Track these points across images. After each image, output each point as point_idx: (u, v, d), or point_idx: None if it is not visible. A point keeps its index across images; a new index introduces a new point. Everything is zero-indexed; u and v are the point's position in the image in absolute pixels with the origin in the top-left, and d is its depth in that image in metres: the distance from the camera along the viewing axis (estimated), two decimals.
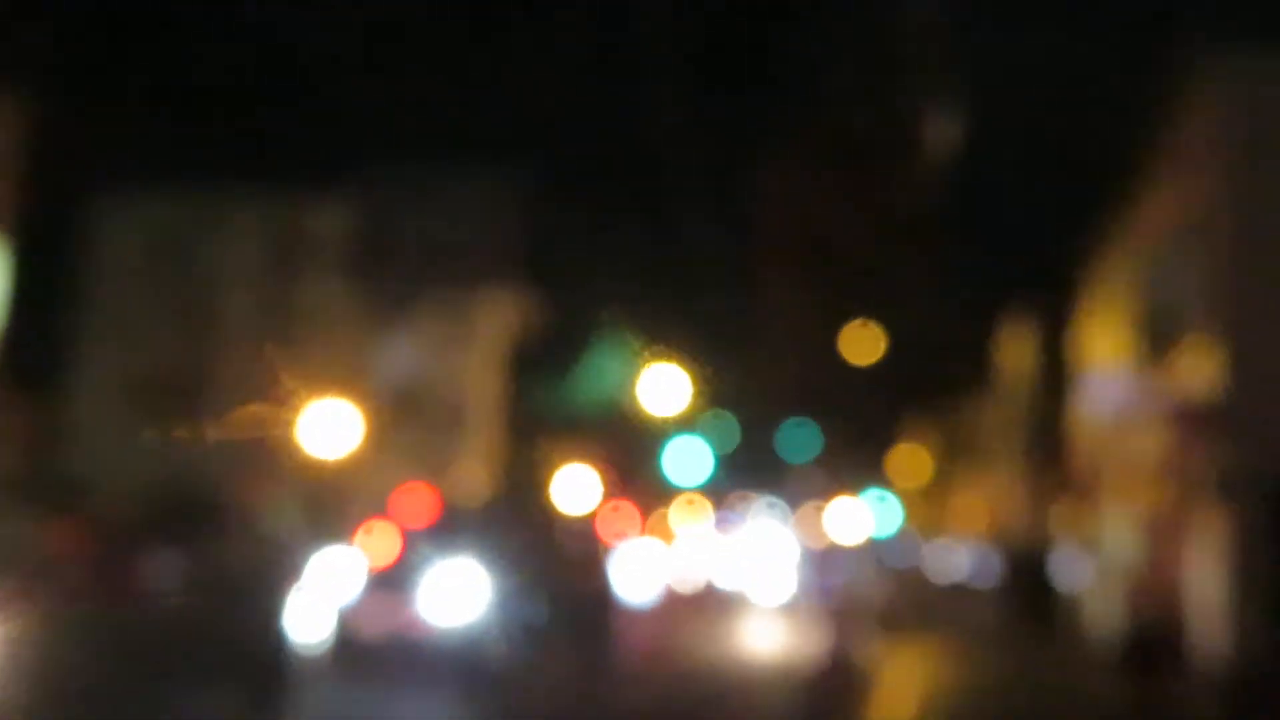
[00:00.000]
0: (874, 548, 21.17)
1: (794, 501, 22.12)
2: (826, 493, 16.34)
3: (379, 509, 13.28)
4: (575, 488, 15.87)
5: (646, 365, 10.49)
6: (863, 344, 13.98)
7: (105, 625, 10.65)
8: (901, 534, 24.89)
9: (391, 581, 11.52)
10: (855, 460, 16.74)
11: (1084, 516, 18.85)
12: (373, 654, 10.88)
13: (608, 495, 17.35)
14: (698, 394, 10.30)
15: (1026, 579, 19.73)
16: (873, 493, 18.47)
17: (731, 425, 16.94)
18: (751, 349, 14.79)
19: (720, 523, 23.17)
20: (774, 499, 22.81)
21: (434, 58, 22.53)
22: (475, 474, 24.07)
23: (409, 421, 22.91)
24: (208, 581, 12.84)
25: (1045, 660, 14.92)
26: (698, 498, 21.01)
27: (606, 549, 16.51)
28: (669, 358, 10.07)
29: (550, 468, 17.57)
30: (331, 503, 17.59)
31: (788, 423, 16.74)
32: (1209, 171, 12.87)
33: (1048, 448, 21.21)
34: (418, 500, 13.00)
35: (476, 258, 25.89)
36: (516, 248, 25.70)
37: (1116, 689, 12.02)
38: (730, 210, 14.82)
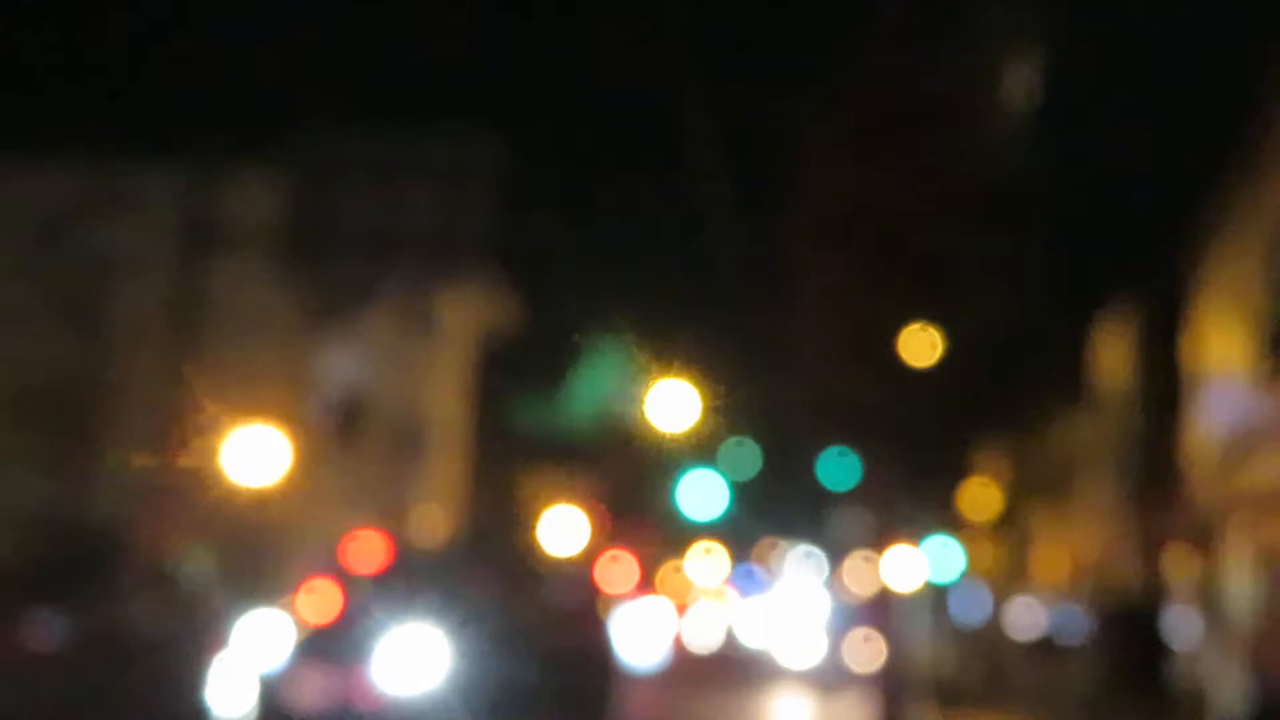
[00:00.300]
0: (934, 596, 21.36)
1: (836, 551, 22.26)
2: (879, 540, 16.53)
3: (318, 558, 13.50)
4: (563, 531, 16.07)
5: (651, 381, 10.68)
6: (921, 353, 14.14)
7: None
8: (968, 580, 25.08)
9: (333, 642, 11.72)
10: (914, 498, 16.89)
11: (1199, 558, 19.02)
12: None
13: (604, 541, 17.56)
14: (716, 417, 10.49)
15: (1127, 635, 19.94)
16: (936, 540, 18.70)
17: (756, 456, 17.16)
18: (783, 361, 14.92)
19: (744, 577, 23.37)
20: (811, 548, 22.94)
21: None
22: (438, 512, 24.29)
23: (355, 448, 23.16)
24: (106, 646, 13.01)
25: None
26: (716, 546, 21.21)
27: (605, 602, 16.79)
28: (679, 371, 10.26)
29: (532, 505, 17.79)
30: (260, 550, 17.82)
31: (828, 453, 16.91)
32: None
33: (1153, 476, 21.37)
34: (367, 547, 13.24)
35: (438, 244, 26.11)
36: (488, 232, 25.89)
37: None
38: (756, 187, 14.99)
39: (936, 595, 22.24)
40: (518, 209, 24.01)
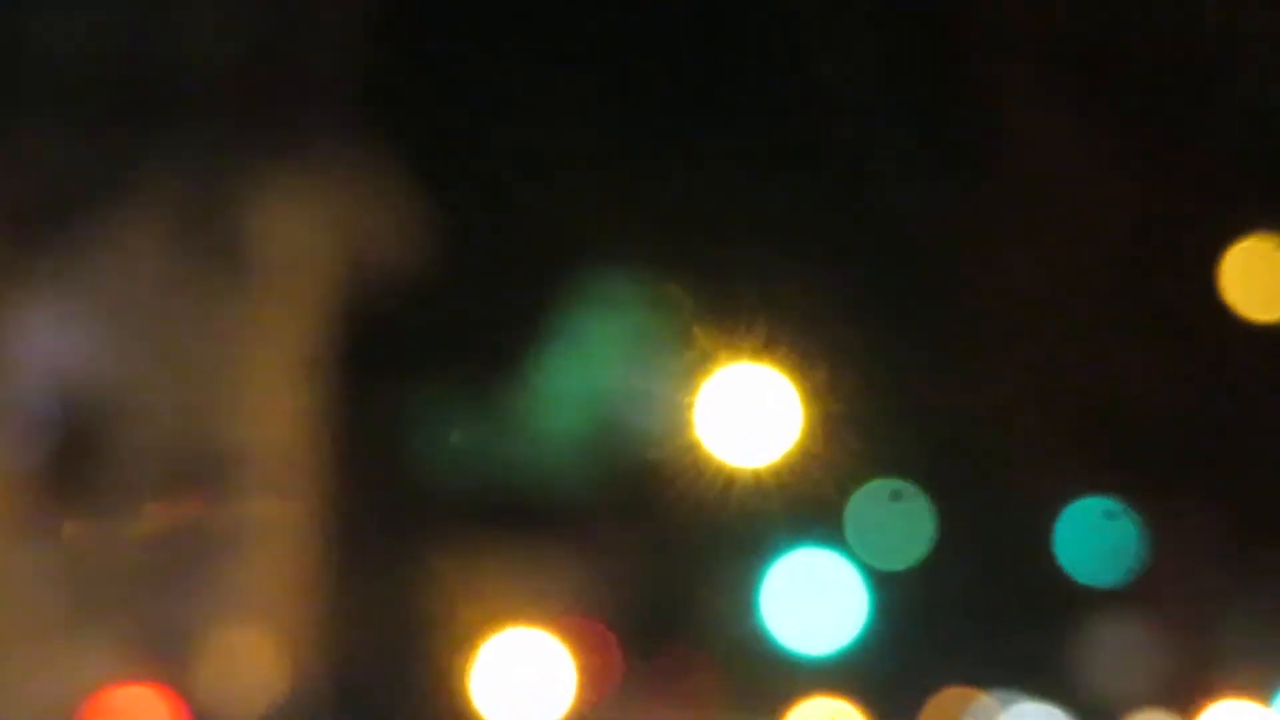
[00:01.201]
0: None
1: (1099, 712, 22.62)
2: (1187, 688, 16.81)
3: None
4: (529, 681, 16.32)
5: (703, 366, 10.88)
6: (1269, 295, 14.49)
7: None
8: None
9: None
10: (1258, 603, 17.21)
11: None
12: None
13: (606, 697, 17.73)
14: (840, 439, 10.65)
15: None
16: None
17: (926, 521, 17.33)
18: (977, 325, 15.22)
19: None
20: (1049, 709, 23.37)
21: None
22: (263, 645, 24.68)
23: (88, 511, 23.43)
24: None
25: None
26: (847, 708, 21.62)
27: None
28: (760, 348, 10.44)
29: (457, 624, 17.98)
30: None
31: (1078, 510, 17.21)
32: None
33: None
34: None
35: (251, 95, 26.37)
36: (357, 69, 26.18)
37: None
38: None
39: None
40: (415, 22, 24.17)
